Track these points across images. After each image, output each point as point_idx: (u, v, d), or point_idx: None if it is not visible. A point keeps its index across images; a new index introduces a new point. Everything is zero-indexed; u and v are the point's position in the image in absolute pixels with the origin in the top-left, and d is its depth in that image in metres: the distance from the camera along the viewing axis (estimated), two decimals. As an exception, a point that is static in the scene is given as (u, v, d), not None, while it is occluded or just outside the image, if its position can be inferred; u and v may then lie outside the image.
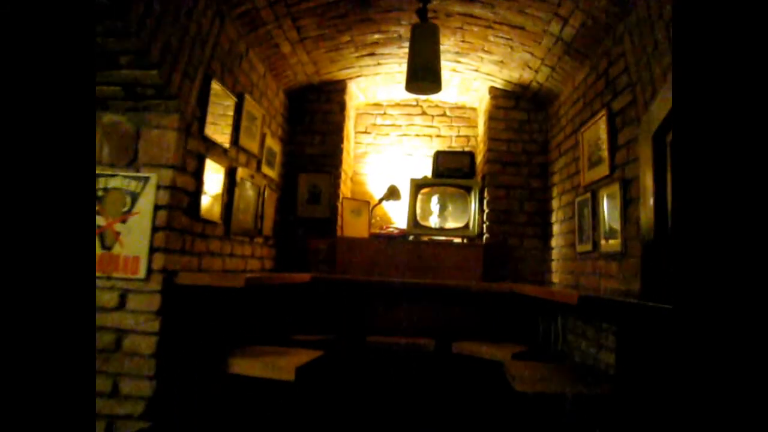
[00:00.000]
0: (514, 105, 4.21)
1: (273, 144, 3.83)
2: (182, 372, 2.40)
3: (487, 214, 4.07)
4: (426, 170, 4.71)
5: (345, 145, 4.36)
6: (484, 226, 4.11)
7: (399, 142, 4.81)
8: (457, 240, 4.20)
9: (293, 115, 4.28)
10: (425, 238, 4.16)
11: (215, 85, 2.71)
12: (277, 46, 3.44)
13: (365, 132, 4.85)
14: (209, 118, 2.67)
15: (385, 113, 4.87)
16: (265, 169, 3.69)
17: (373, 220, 4.61)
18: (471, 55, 3.78)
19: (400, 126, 4.83)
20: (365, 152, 4.83)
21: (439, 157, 4.24)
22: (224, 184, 2.91)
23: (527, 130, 4.17)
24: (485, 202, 4.13)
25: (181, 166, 2.42)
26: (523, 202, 4.07)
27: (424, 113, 4.84)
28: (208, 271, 2.77)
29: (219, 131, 2.82)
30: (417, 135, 4.81)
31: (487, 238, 4.05)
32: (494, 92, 4.23)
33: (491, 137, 4.17)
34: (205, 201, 2.68)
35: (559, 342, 3.39)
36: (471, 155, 4.25)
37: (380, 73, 4.27)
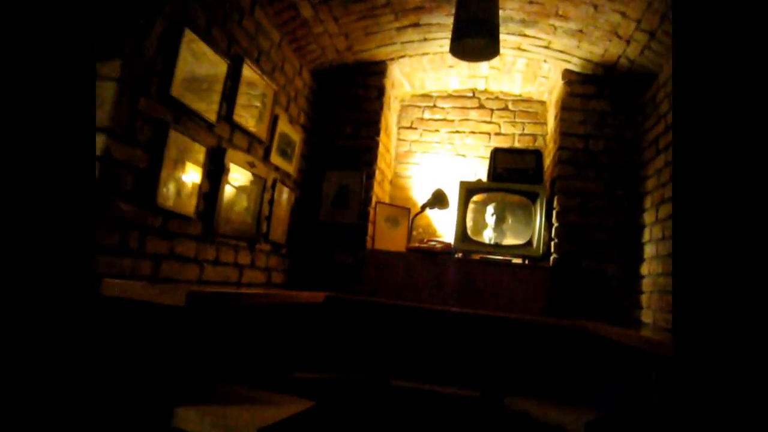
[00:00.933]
0: (595, 92, 3.32)
1: (290, 131, 3.14)
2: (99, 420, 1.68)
3: (556, 229, 3.18)
4: (481, 174, 3.88)
5: (383, 140, 3.61)
6: (552, 244, 3.22)
7: (450, 141, 4.01)
8: (517, 261, 3.33)
9: (321, 100, 3.59)
10: (476, 257, 3.32)
11: (191, 36, 2.04)
12: (294, 8, 2.76)
13: (410, 127, 4.10)
14: (180, 76, 1.99)
15: (434, 106, 4.10)
16: (277, 160, 2.99)
17: (414, 232, 3.81)
18: (540, 24, 2.95)
19: (452, 121, 4.04)
20: (409, 151, 4.06)
21: (498, 155, 3.41)
22: (204, 167, 2.23)
23: (611, 124, 3.26)
24: (554, 213, 3.25)
25: (123, 132, 1.74)
26: (603, 214, 3.15)
27: (481, 106, 4.03)
28: (167, 280, 2.06)
29: (198, 98, 2.14)
30: (472, 132, 4.00)
31: (554, 259, 3.15)
32: (569, 76, 3.36)
33: (563, 132, 3.29)
34: (169, 186, 1.99)
35: (652, 407, 2.44)
36: (537, 154, 3.39)
37: (428, 52, 3.51)
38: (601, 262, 3.11)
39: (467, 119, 4.03)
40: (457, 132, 4.02)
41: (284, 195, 3.14)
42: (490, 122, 3.99)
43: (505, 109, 4.01)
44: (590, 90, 3.32)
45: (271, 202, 2.97)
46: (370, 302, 2.95)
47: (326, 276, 3.34)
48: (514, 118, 3.98)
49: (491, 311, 2.88)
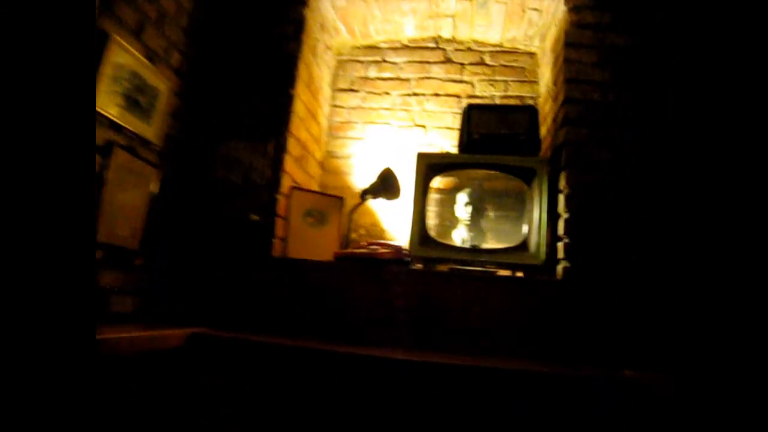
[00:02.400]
0: (612, 21, 2.22)
1: (147, 71, 1.94)
2: None
3: (567, 222, 2.04)
4: (450, 149, 2.74)
5: (303, 98, 2.44)
6: (560, 246, 2.08)
7: (405, 107, 2.86)
8: (504, 272, 2.19)
9: (208, 36, 2.39)
10: (443, 268, 2.16)
11: None
12: None
13: (350, 90, 2.93)
14: None
15: (383, 61, 2.95)
16: (114, 110, 1.78)
17: (354, 234, 2.63)
18: None
19: (406, 81, 2.90)
20: (348, 122, 2.89)
21: (474, 115, 2.26)
22: None
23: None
24: (561, 199, 2.11)
25: None
26: (639, 198, 2.03)
27: (447, 60, 2.90)
28: None
29: None
30: (435, 95, 2.86)
31: (565, 270, 2.00)
32: (574, 0, 2.26)
33: (570, 78, 2.17)
34: None
35: None
36: (531, 112, 2.26)
37: (369, -33, 2.37)
38: (641, 273, 1.98)
39: (428, 77, 2.89)
40: (415, 95, 2.87)
41: (135, 171, 1.92)
42: (461, 81, 2.87)
43: (481, 63, 2.89)
44: (607, 18, 2.23)
45: (101, 178, 1.75)
46: (264, 344, 1.74)
47: (210, 301, 2.11)
48: (494, 75, 2.86)
49: (469, 359, 1.71)
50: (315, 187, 2.71)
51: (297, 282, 2.09)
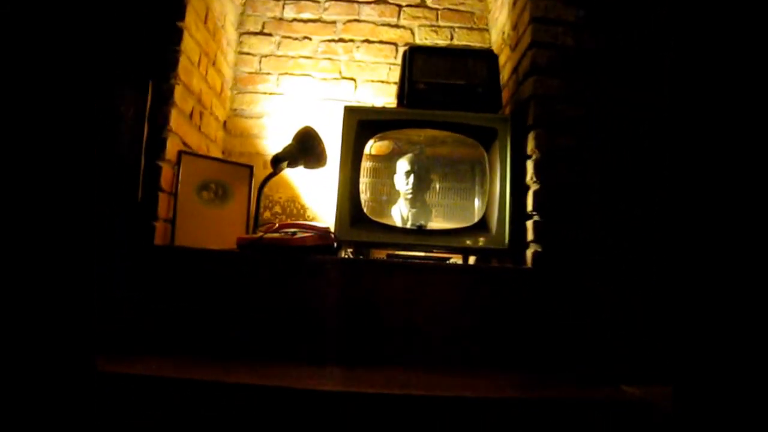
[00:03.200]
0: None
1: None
2: None
3: (536, 194, 1.61)
4: (385, 105, 2.25)
5: (195, 34, 1.85)
6: (528, 225, 1.64)
7: (329, 55, 2.33)
8: (456, 260, 1.76)
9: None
10: (380, 254, 1.69)
11: None
12: None
13: (261, 33, 2.35)
14: None
15: (302, -2, 2.39)
16: None
17: (267, 213, 2.10)
18: None
19: (331, 24, 2.36)
20: (258, 72, 2.32)
21: (417, 59, 1.77)
22: None
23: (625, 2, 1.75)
24: (529, 165, 1.67)
25: None
26: (630, 168, 1.62)
27: (382, 0, 2.39)
28: None
29: None
30: (367, 42, 2.34)
31: (536, 254, 1.57)
32: None
33: (538, 17, 1.72)
34: None
35: None
36: (490, 57, 1.80)
37: None
38: (631, 264, 1.58)
39: (358, 20, 2.37)
40: (342, 41, 2.34)
41: None
42: (398, 26, 2.37)
43: (422, 5, 2.40)
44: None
45: None
46: (124, 377, 1.20)
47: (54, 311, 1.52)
48: (437, 20, 2.38)
49: (419, 376, 1.25)
50: (217, 154, 2.14)
51: (186, 280, 1.54)
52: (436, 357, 1.48)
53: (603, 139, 1.61)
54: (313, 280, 1.53)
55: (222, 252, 1.58)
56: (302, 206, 2.15)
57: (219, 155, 2.17)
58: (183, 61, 1.74)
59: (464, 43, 2.34)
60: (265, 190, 2.08)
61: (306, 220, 2.12)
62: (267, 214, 2.12)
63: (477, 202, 1.91)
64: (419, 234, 1.65)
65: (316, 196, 2.15)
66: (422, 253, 1.75)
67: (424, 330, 1.49)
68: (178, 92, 1.72)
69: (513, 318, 1.51)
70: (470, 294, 1.52)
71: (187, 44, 1.77)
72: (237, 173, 1.91)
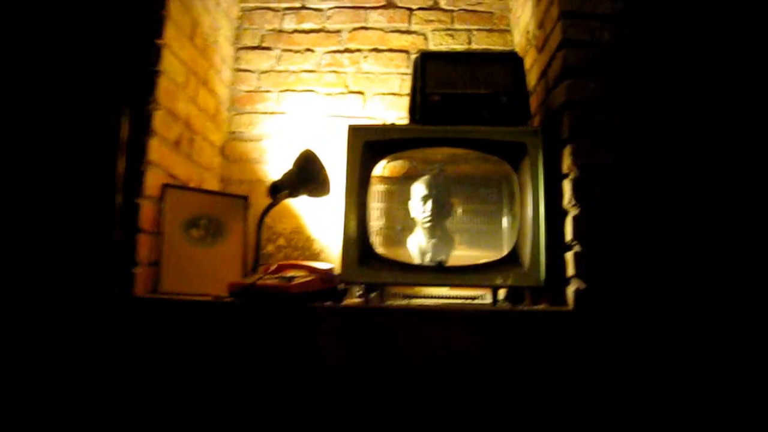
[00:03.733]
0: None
1: None
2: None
3: (576, 221, 1.34)
4: (397, 120, 2.01)
5: (184, 58, 1.65)
6: (568, 257, 1.37)
7: (334, 68, 2.11)
8: (481, 299, 1.51)
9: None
10: (393, 303, 1.46)
11: None
12: None
13: (260, 48, 2.15)
14: None
15: (303, 7, 2.18)
16: None
17: (269, 247, 1.88)
18: None
19: (337, 33, 2.14)
20: (258, 90, 2.11)
21: (430, 67, 1.53)
22: None
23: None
24: (566, 186, 1.41)
25: None
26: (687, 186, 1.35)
27: (390, 4, 2.16)
28: None
29: None
30: (375, 51, 2.12)
31: (578, 293, 1.30)
32: None
33: (569, 12, 1.46)
34: None
35: None
36: (514, 61, 1.54)
37: None
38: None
39: (365, 27, 2.14)
40: (348, 51, 2.12)
41: None
42: (409, 32, 2.13)
43: (435, 7, 2.16)
44: None
45: None
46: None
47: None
48: (452, 23, 2.14)
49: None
50: (213, 183, 1.94)
51: (172, 339, 1.33)
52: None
53: (652, 152, 1.33)
54: (315, 332, 1.29)
55: (207, 303, 1.36)
56: (308, 238, 1.92)
57: (216, 185, 1.96)
58: (164, 83, 1.54)
59: (483, 47, 2.09)
60: (267, 220, 1.87)
61: (313, 252, 1.89)
62: (270, 248, 1.90)
63: (505, 227, 1.65)
64: (439, 272, 1.40)
65: (323, 225, 1.92)
66: (442, 295, 1.50)
67: (451, 398, 1.23)
68: (159, 118, 1.51)
69: (552, 378, 1.24)
70: (502, 347, 1.26)
71: (169, 63, 1.57)
72: (231, 206, 1.69)
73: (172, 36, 1.58)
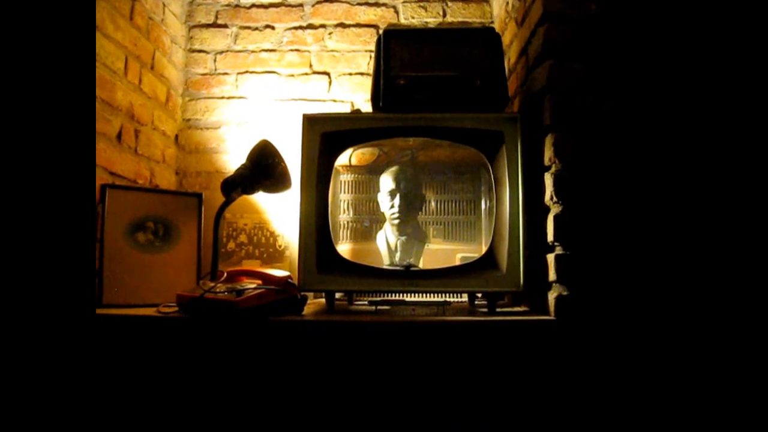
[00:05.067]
0: None
1: None
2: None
3: (557, 219, 1.20)
4: (366, 102, 1.86)
5: (123, 41, 1.47)
6: (549, 259, 1.24)
7: (298, 46, 1.93)
8: (458, 298, 1.39)
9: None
10: (359, 306, 1.33)
11: None
12: None
13: (214, 25, 1.96)
14: None
15: (262, -21, 1.98)
16: None
17: (231, 244, 1.74)
18: None
19: (298, 7, 1.95)
20: (214, 72, 1.94)
21: (396, 47, 1.37)
22: None
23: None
24: (548, 180, 1.27)
25: None
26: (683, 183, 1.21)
27: (356, -26, 1.97)
28: None
29: None
30: (341, 26, 1.94)
31: (560, 299, 1.18)
32: None
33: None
34: None
35: None
36: (489, 38, 1.38)
37: None
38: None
39: (330, 0, 1.96)
40: (311, 27, 1.94)
41: None
42: (377, 4, 1.95)
43: (405, -24, 1.97)
44: None
45: None
46: None
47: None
48: (425, -7, 1.96)
49: None
50: (168, 177, 1.78)
51: (113, 360, 1.19)
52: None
53: (644, 144, 1.19)
54: (270, 350, 1.16)
55: (150, 318, 1.22)
56: (272, 233, 1.77)
57: (171, 178, 1.80)
58: (100, 73, 1.36)
59: (459, 20, 1.92)
60: (228, 216, 1.72)
61: (277, 249, 1.75)
62: (231, 245, 1.75)
63: (484, 217, 1.53)
64: (409, 277, 1.27)
65: (288, 219, 1.78)
66: (411, 298, 1.37)
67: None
68: (100, 113, 1.34)
69: (531, 395, 1.12)
70: (466, 358, 1.14)
71: (101, 48, 1.39)
72: (183, 205, 1.54)
73: (104, 15, 1.40)
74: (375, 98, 1.37)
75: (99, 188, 1.38)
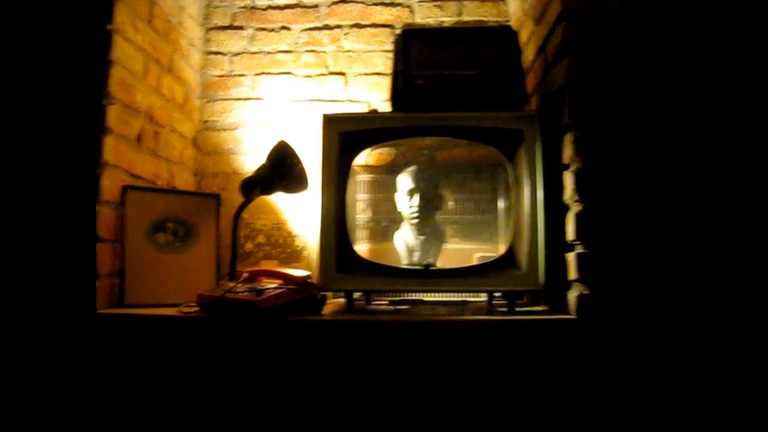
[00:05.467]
0: None
1: None
2: None
3: (578, 218, 1.19)
4: (383, 102, 1.86)
5: (142, 43, 1.48)
6: (570, 258, 1.23)
7: (314, 47, 1.94)
8: (476, 296, 1.38)
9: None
10: (378, 306, 1.33)
11: None
12: None
13: (231, 27, 1.97)
14: None
15: (277, -20, 1.99)
16: None
17: (248, 245, 1.75)
18: None
19: (314, 8, 1.96)
20: (231, 74, 1.95)
21: (414, 46, 1.36)
22: None
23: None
24: (567, 179, 1.26)
25: None
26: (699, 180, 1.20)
27: (371, -26, 1.98)
28: None
29: None
30: (357, 26, 1.94)
31: (581, 298, 1.17)
32: None
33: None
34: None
35: None
36: (507, 36, 1.37)
37: None
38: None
39: (345, 1, 1.96)
40: (327, 28, 1.95)
41: None
42: (393, 4, 1.95)
43: (420, -24, 1.97)
44: None
45: None
46: None
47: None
48: (440, -8, 1.96)
49: None
50: (186, 178, 1.79)
51: (138, 357, 1.21)
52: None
53: (666, 141, 1.18)
54: (290, 350, 1.17)
55: (173, 318, 1.23)
56: (290, 234, 1.78)
57: (189, 179, 1.82)
58: (117, 74, 1.38)
59: (475, 18, 1.91)
60: (245, 216, 1.74)
61: (294, 250, 1.76)
62: (249, 246, 1.76)
63: (502, 217, 1.52)
64: (428, 277, 1.27)
65: (305, 220, 1.78)
66: (432, 299, 1.37)
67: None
68: (114, 113, 1.36)
69: (551, 394, 1.12)
70: (486, 358, 1.13)
71: (123, 51, 1.41)
72: (202, 205, 1.55)
73: (123, 19, 1.42)
74: (394, 98, 1.37)
75: (120, 189, 1.40)
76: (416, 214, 1.46)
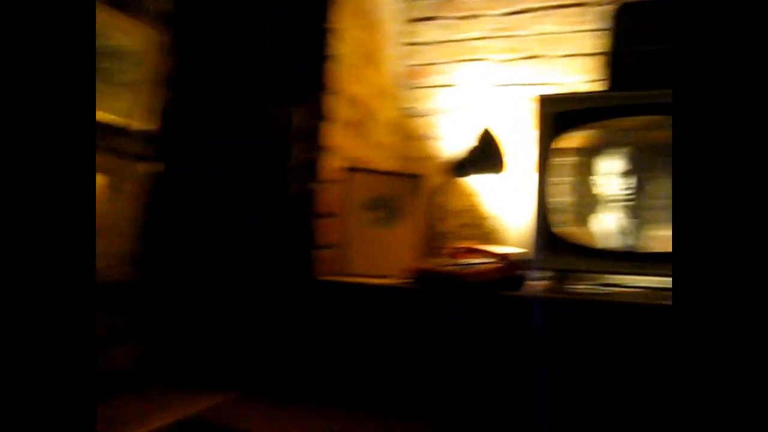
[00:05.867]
0: None
1: (115, 27, 1.25)
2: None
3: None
4: (582, 86, 1.81)
5: (355, 38, 1.65)
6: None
7: (506, 32, 1.96)
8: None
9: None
10: (591, 288, 1.33)
11: None
12: None
13: (425, 19, 2.07)
14: None
15: (471, -30, 2.04)
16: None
17: (440, 225, 1.84)
18: None
19: (509, -8, 1.98)
20: (428, 63, 2.05)
21: (625, 16, 1.33)
22: None
23: None
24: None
25: None
26: None
27: (571, -48, 1.93)
28: None
29: None
30: (554, 7, 1.91)
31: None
32: None
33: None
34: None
35: None
36: None
37: None
38: None
39: (543, -19, 1.95)
40: (521, 12, 1.95)
41: (115, 172, 1.28)
42: (595, -19, 1.89)
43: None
44: None
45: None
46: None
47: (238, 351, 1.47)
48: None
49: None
50: (386, 163, 1.94)
51: (355, 324, 1.37)
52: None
53: None
54: (501, 323, 1.23)
55: (389, 287, 1.36)
56: (481, 216, 1.84)
57: (388, 163, 1.96)
58: (336, 67, 1.54)
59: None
60: (441, 198, 1.83)
61: (485, 232, 1.81)
62: (442, 227, 1.86)
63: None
64: (636, 260, 1.24)
65: (496, 203, 1.83)
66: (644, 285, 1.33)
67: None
68: (333, 102, 1.53)
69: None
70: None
71: (342, 47, 1.57)
72: (405, 185, 1.67)
73: (342, 18, 1.58)
74: (608, 75, 1.34)
75: (340, 170, 1.57)
76: (630, 196, 1.42)
